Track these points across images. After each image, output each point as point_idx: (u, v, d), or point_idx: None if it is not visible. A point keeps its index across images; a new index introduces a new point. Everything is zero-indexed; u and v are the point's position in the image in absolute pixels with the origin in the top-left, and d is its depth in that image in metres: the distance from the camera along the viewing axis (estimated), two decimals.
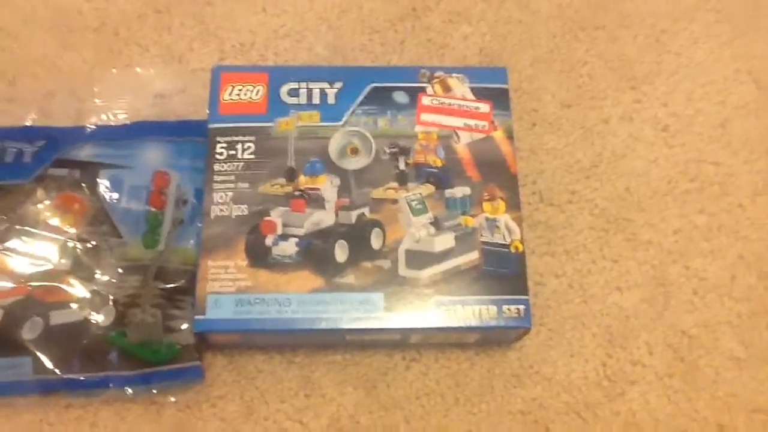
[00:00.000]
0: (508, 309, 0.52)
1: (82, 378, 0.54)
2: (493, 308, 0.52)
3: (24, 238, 0.56)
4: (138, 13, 0.67)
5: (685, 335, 0.59)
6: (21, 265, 0.55)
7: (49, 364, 0.53)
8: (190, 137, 0.59)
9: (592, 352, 0.58)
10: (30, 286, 0.55)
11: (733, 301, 0.60)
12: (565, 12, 0.69)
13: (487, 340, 0.56)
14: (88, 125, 0.60)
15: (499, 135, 0.57)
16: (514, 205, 0.55)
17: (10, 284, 0.55)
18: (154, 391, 0.55)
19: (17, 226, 0.56)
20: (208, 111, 0.57)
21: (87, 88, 0.62)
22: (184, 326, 0.55)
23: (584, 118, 0.65)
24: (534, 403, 0.56)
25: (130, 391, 0.54)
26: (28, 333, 0.54)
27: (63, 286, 0.55)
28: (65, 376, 0.53)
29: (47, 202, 0.57)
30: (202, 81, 0.61)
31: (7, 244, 0.56)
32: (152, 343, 0.54)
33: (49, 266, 0.56)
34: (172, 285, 0.56)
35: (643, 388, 0.57)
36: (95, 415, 0.55)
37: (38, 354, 0.53)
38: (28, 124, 0.61)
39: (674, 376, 0.57)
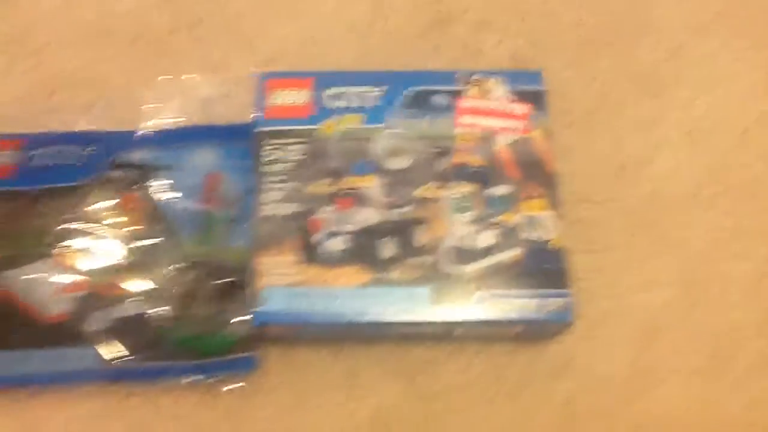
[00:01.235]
0: (551, 302, 0.54)
1: (142, 368, 0.56)
2: (536, 302, 0.54)
3: (86, 236, 0.59)
4: (170, 27, 0.70)
5: (716, 333, 0.60)
6: (84, 262, 0.58)
7: (111, 355, 0.56)
8: (239, 140, 0.61)
9: (627, 348, 0.60)
10: (93, 281, 0.58)
11: (761, 300, 0.61)
12: (589, 22, 0.71)
13: (528, 334, 0.58)
14: (139, 129, 0.63)
15: (536, 135, 0.59)
16: (553, 202, 0.57)
17: (73, 280, 0.58)
18: (210, 381, 0.57)
19: (79, 225, 0.59)
20: (254, 115, 0.60)
21: (135, 95, 0.64)
22: (238, 319, 0.57)
23: (611, 122, 0.67)
24: (572, 395, 0.58)
25: (187, 380, 0.57)
26: (92, 325, 0.57)
27: (123, 281, 0.58)
28: (125, 366, 0.56)
29: (107, 203, 0.60)
30: (244, 87, 0.63)
31: (70, 242, 0.59)
32: (207, 335, 0.57)
33: (110, 263, 0.59)
34: (225, 280, 0.58)
35: (676, 381, 0.59)
36: (155, 403, 0.58)
37: (102, 345, 0.56)
38: (80, 129, 0.63)
39: (704, 372, 0.59)
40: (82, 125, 0.63)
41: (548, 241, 0.56)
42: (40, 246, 0.58)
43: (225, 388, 0.58)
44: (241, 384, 0.58)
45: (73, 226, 0.59)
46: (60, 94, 0.67)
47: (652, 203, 0.64)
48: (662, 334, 0.60)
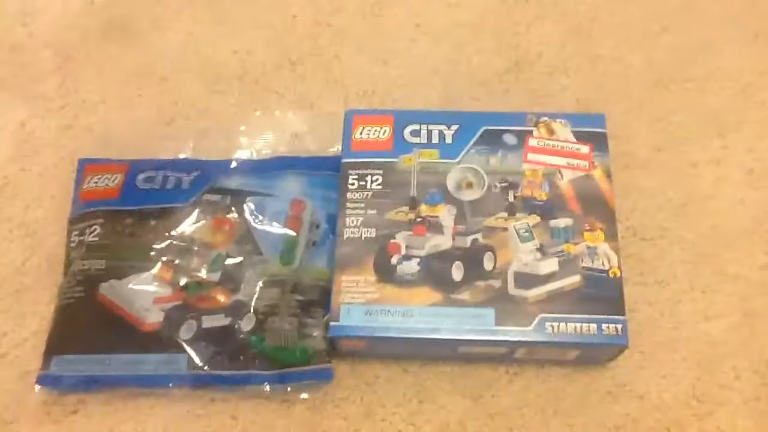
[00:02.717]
0: (607, 327, 0.58)
1: (227, 375, 0.61)
2: (593, 326, 0.58)
3: (181, 252, 0.65)
4: (276, 64, 0.78)
5: None
6: (179, 276, 0.64)
7: (200, 362, 0.61)
8: (322, 171, 0.67)
9: (683, 375, 0.63)
10: (186, 293, 0.63)
11: None
12: (655, 66, 0.76)
13: (585, 357, 0.61)
14: (235, 158, 0.69)
15: (598, 173, 0.63)
16: (612, 235, 0.61)
17: (169, 292, 0.63)
18: (288, 390, 0.61)
19: (177, 242, 0.65)
20: (339, 148, 0.66)
21: (234, 127, 0.72)
22: (316, 333, 0.61)
23: (674, 161, 0.71)
24: (627, 418, 0.61)
25: (267, 388, 0.61)
26: (184, 334, 0.61)
27: (213, 295, 0.63)
28: (213, 372, 0.60)
29: (202, 223, 0.66)
30: (329, 123, 0.69)
31: (168, 258, 0.64)
32: (288, 347, 0.61)
33: (202, 277, 0.64)
34: (306, 298, 0.63)
35: (730, 410, 0.61)
36: (235, 409, 0.62)
37: (192, 352, 0.61)
38: (184, 156, 0.71)
39: (761, 400, 0.62)
40: (187, 152, 0.70)
41: (606, 270, 0.60)
42: (142, 260, 0.64)
43: (301, 397, 0.62)
44: (315, 394, 0.62)
45: (171, 243, 0.65)
46: (176, 122, 0.75)
47: (711, 238, 0.67)
48: (719, 362, 0.63)
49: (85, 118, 0.76)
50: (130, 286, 0.63)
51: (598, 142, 0.64)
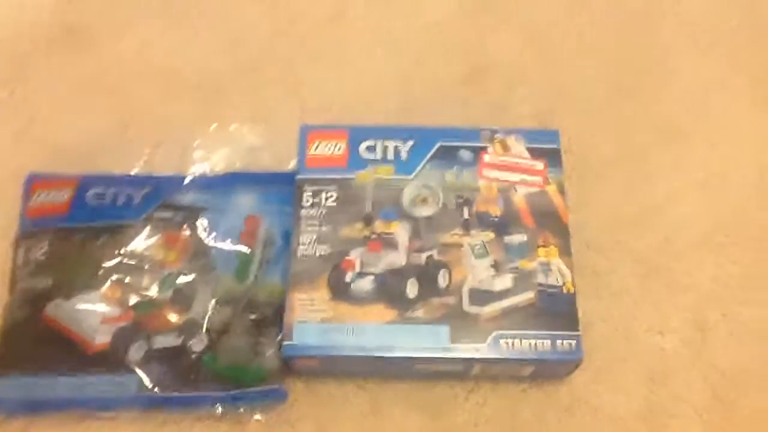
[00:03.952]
0: (561, 343, 0.58)
1: (178, 396, 0.59)
2: (548, 342, 0.58)
3: (132, 270, 0.63)
4: (232, 74, 0.76)
5: (723, 375, 0.63)
6: (129, 295, 0.62)
7: (149, 383, 0.59)
8: (277, 186, 0.66)
9: (636, 389, 0.63)
10: (136, 313, 0.62)
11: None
12: (612, 76, 0.77)
13: (541, 373, 0.61)
14: (190, 173, 0.68)
15: (552, 189, 0.64)
16: (565, 251, 0.61)
17: (118, 311, 0.62)
18: (242, 410, 0.60)
19: (126, 260, 0.64)
20: (294, 164, 0.65)
21: (189, 142, 0.71)
22: (270, 352, 0.60)
23: (629, 172, 0.71)
24: None
25: (220, 409, 0.60)
26: (134, 354, 0.60)
27: (164, 314, 0.62)
28: (164, 394, 0.59)
29: (153, 240, 0.65)
30: (285, 138, 0.69)
31: (117, 276, 0.63)
32: (241, 366, 0.60)
33: (153, 296, 0.63)
34: (259, 316, 0.62)
35: (683, 422, 0.62)
36: (188, 430, 0.61)
37: (141, 373, 0.60)
38: (137, 170, 0.69)
39: (713, 412, 0.62)
40: (141, 166, 0.69)
41: (560, 286, 0.60)
42: (90, 279, 0.63)
43: (254, 418, 0.61)
44: (269, 414, 0.61)
45: (121, 261, 0.64)
46: (131, 132, 0.73)
47: (663, 251, 0.68)
48: (672, 375, 0.63)
49: (36, 129, 0.74)
50: (78, 306, 0.62)
51: (553, 158, 0.65)
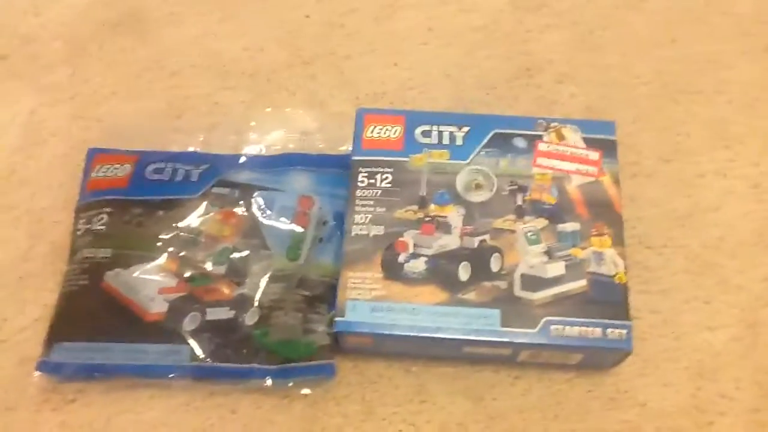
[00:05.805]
0: (612, 332, 0.58)
1: (229, 367, 0.60)
2: (599, 330, 0.58)
3: (188, 244, 0.65)
4: (287, 62, 0.78)
5: None
6: (185, 267, 0.64)
7: (202, 353, 0.60)
8: (331, 168, 0.68)
9: (684, 384, 0.63)
10: (191, 285, 0.63)
11: None
12: (664, 76, 0.77)
13: (588, 362, 0.61)
14: (244, 153, 0.70)
15: (606, 180, 0.64)
16: (619, 241, 0.61)
17: (174, 282, 0.63)
18: (290, 385, 0.61)
19: (183, 234, 0.65)
20: (348, 147, 0.66)
21: (244, 122, 0.72)
22: (320, 329, 0.61)
23: (681, 172, 0.71)
24: (628, 425, 0.61)
25: (269, 382, 0.60)
26: (188, 325, 0.61)
27: (218, 287, 0.63)
28: (215, 365, 0.60)
29: (209, 215, 0.66)
30: (339, 122, 0.70)
31: (174, 249, 0.64)
32: (292, 341, 0.61)
33: (208, 270, 0.64)
34: (311, 293, 0.63)
35: (730, 420, 0.61)
36: (235, 403, 0.62)
37: (194, 344, 0.61)
38: (193, 149, 0.71)
39: (761, 411, 0.62)
40: (197, 146, 0.71)
41: (612, 275, 0.60)
42: (148, 250, 0.65)
43: (303, 393, 0.62)
44: (316, 390, 0.62)
45: (178, 234, 0.65)
46: (186, 116, 0.75)
47: (715, 249, 0.68)
48: (721, 372, 0.63)
49: (94, 108, 0.76)
50: (136, 275, 0.63)
51: (608, 149, 0.65)
